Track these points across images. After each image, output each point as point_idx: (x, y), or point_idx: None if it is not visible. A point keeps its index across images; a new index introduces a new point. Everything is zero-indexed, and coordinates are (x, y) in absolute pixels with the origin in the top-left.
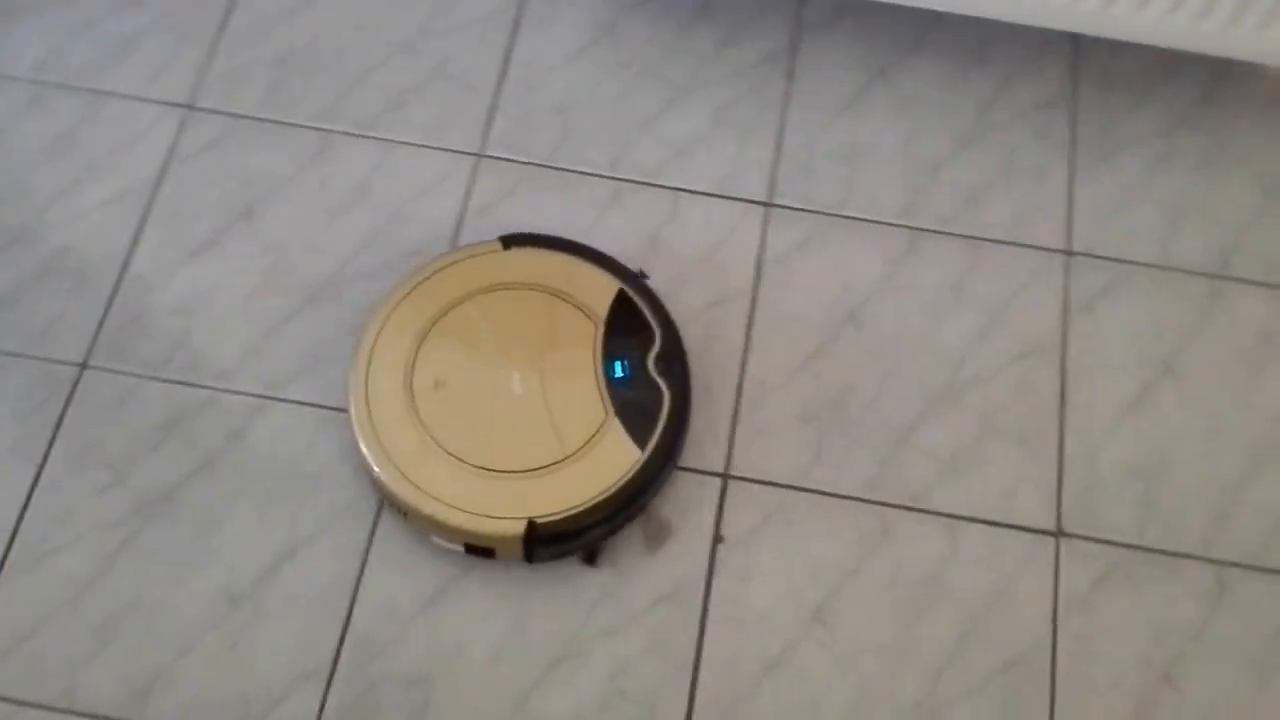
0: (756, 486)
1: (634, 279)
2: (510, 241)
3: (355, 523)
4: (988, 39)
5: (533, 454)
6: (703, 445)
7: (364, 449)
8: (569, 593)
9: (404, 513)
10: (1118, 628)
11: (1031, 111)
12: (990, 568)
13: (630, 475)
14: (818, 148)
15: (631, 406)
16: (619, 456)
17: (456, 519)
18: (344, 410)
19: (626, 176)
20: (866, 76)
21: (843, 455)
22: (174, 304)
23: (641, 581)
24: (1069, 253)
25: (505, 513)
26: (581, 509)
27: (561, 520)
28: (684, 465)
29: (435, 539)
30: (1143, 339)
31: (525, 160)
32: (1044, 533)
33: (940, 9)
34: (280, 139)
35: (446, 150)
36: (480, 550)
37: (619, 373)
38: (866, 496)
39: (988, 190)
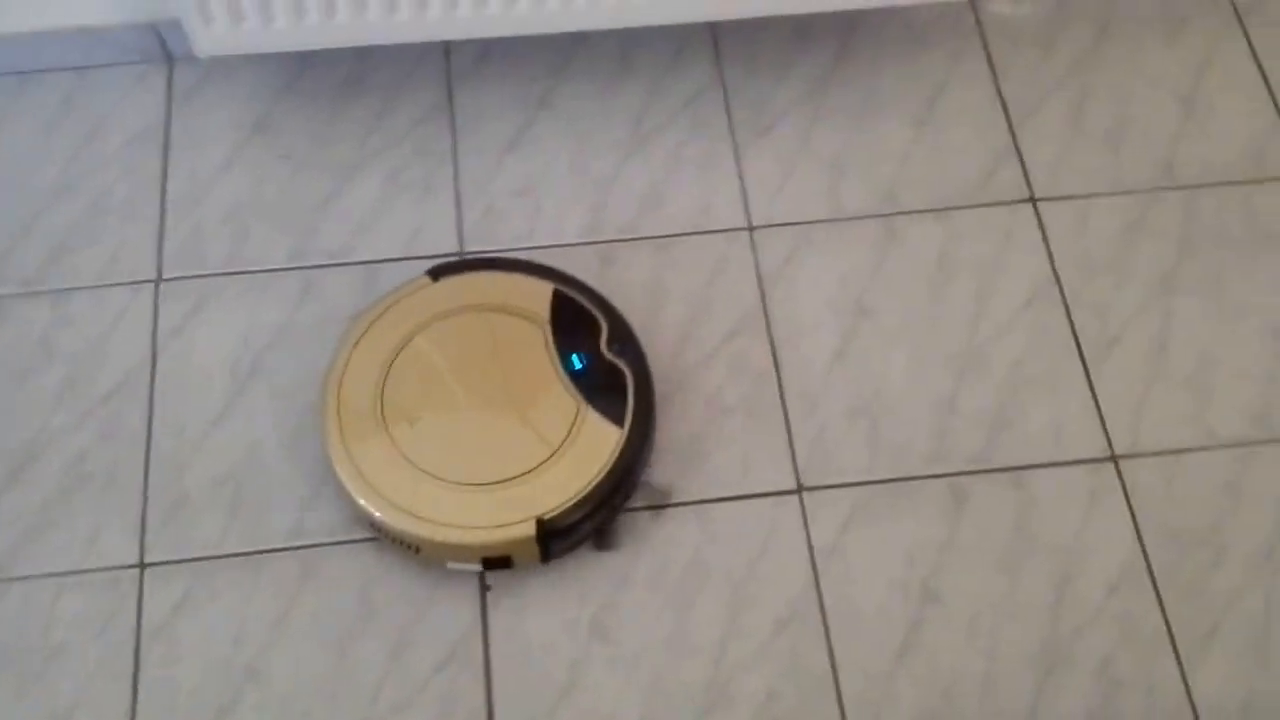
0: None
1: (565, 279)
2: (438, 273)
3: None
4: (630, 47)
5: (522, 459)
6: None
7: (363, 502)
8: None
9: (416, 549)
10: (872, 561)
11: (687, 106)
12: (744, 538)
13: (618, 452)
14: (497, 189)
15: (599, 391)
16: (602, 438)
17: (470, 537)
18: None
19: (313, 263)
20: (526, 110)
21: None
22: None
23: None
24: (751, 228)
25: (513, 519)
26: (582, 495)
27: (567, 510)
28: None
29: (451, 565)
30: (833, 290)
31: (206, 273)
32: (786, 493)
33: (573, 29)
34: None
35: (122, 284)
36: (498, 562)
37: (578, 364)
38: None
39: (666, 187)
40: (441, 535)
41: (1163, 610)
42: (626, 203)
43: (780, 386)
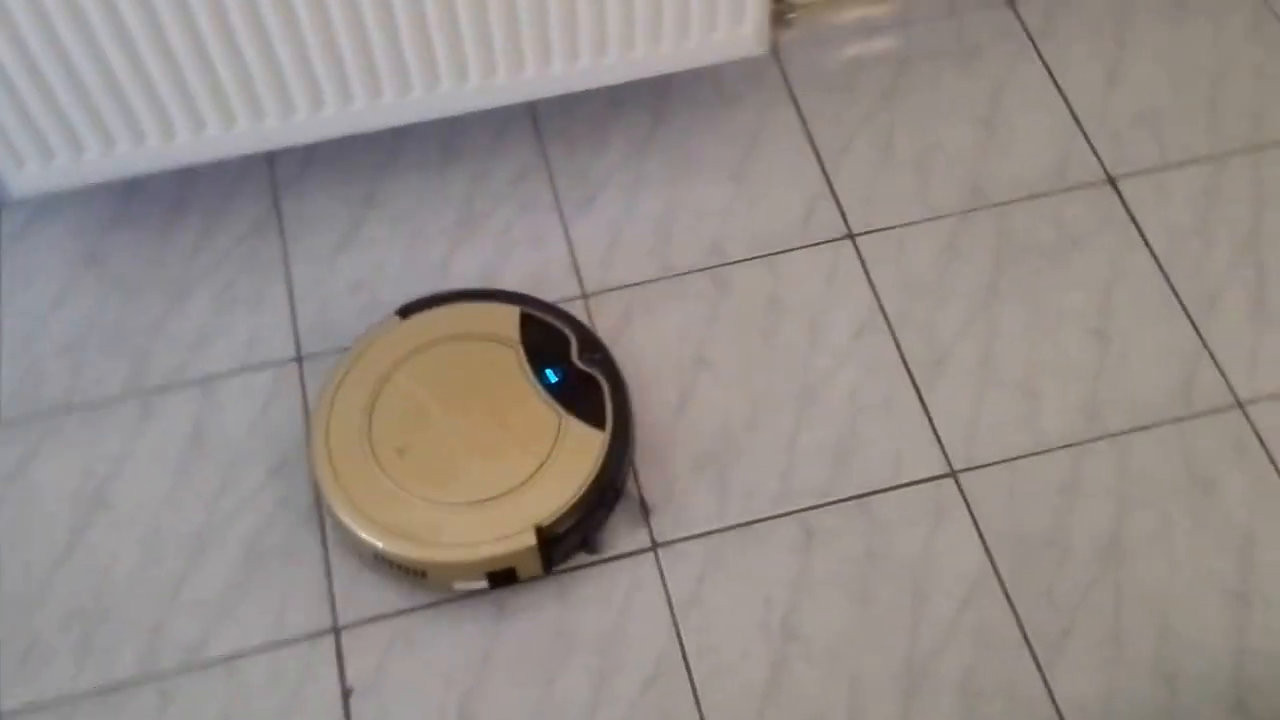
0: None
1: (529, 300)
2: (406, 311)
3: None
4: (452, 136)
5: (512, 474)
6: None
7: (365, 536)
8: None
9: (423, 573)
10: (731, 607)
11: (513, 186)
12: (603, 604)
13: (605, 454)
14: (330, 290)
15: (577, 400)
16: (587, 443)
17: (474, 554)
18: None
19: (152, 385)
20: (354, 209)
21: None
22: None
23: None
24: (585, 296)
25: (513, 530)
26: (576, 499)
27: (563, 515)
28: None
29: (457, 585)
30: (671, 345)
31: (40, 411)
32: (641, 551)
33: (390, 125)
34: None
35: None
36: (502, 576)
37: (553, 378)
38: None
39: (499, 267)
40: (446, 556)
41: (1016, 616)
42: (470, 272)
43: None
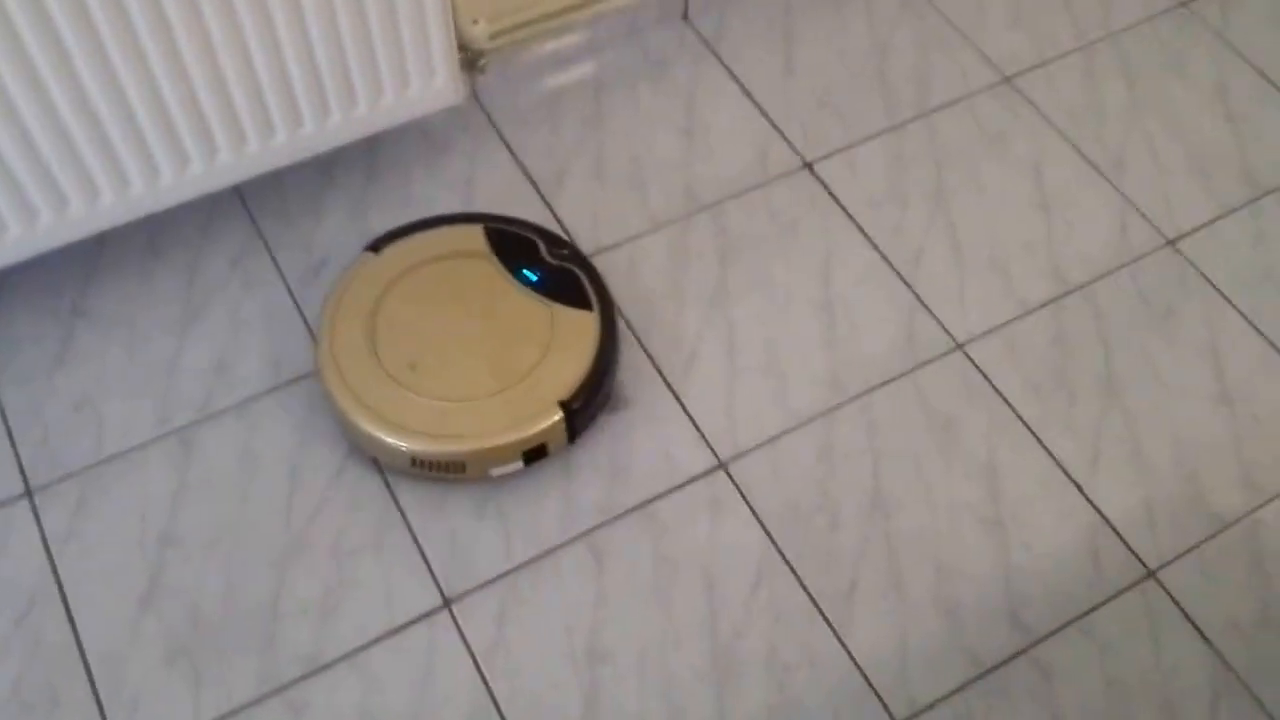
0: None
1: (489, 217)
2: (376, 245)
3: None
4: (156, 232)
5: (522, 363)
6: None
7: (400, 444)
8: None
9: (463, 467)
10: (534, 643)
11: (233, 268)
12: (410, 675)
13: (601, 327)
14: (52, 412)
15: (561, 291)
16: (581, 324)
17: (507, 438)
18: None
19: None
20: (61, 323)
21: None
22: None
23: None
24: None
25: (539, 410)
26: (587, 371)
27: (580, 388)
28: None
29: (495, 471)
30: None
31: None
32: (433, 612)
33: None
34: None
35: None
36: (535, 453)
37: (532, 277)
38: (260, 693)
39: (233, 351)
40: (485, 443)
41: (803, 586)
42: (197, 378)
43: (395, 503)
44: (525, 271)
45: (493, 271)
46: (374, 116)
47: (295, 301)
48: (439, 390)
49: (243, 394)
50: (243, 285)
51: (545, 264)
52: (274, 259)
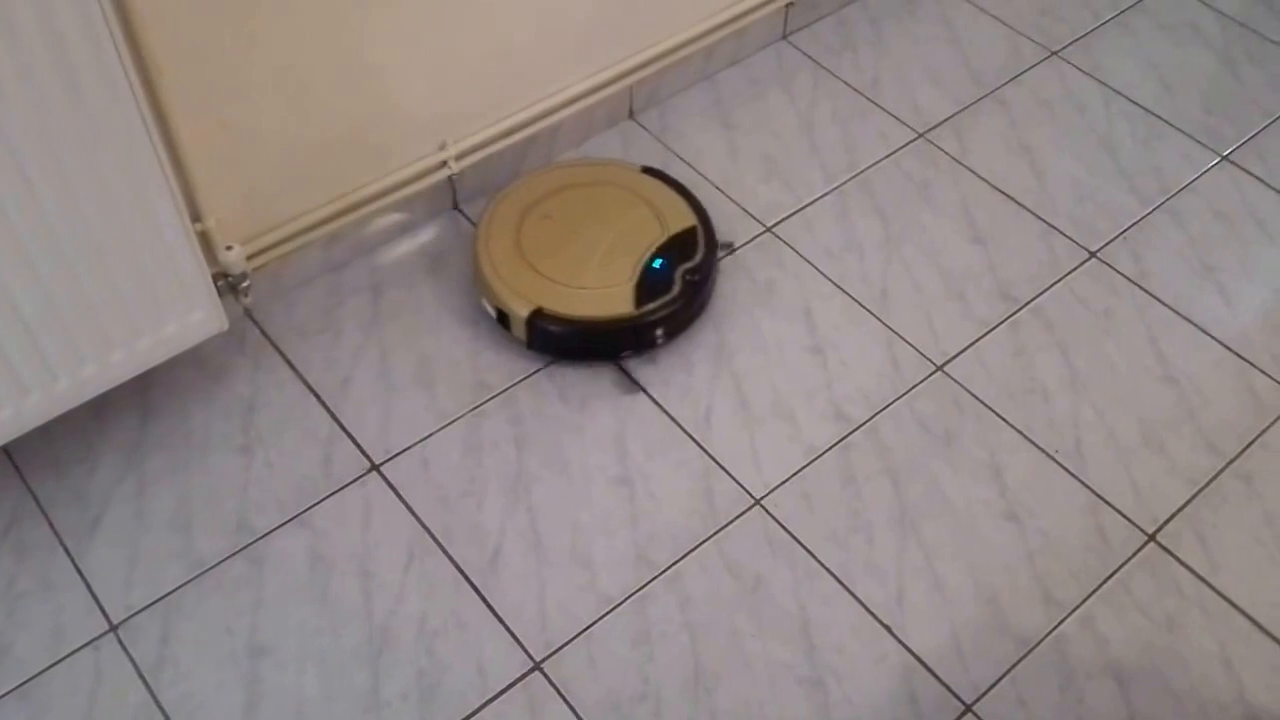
0: None
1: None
2: (648, 171)
3: None
4: None
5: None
6: None
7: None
8: None
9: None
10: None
11: (3, 537)
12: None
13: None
14: None
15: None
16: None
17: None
18: None
19: None
20: None
21: None
22: None
23: None
24: (114, 628)
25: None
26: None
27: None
28: None
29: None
30: (222, 645)
31: None
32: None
33: None
34: None
35: None
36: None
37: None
38: None
39: (9, 633)
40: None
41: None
42: None
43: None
44: (657, 261)
45: (652, 237)
46: (134, 359)
47: (75, 564)
48: (580, 258)
49: (21, 674)
50: (15, 554)
51: (671, 273)
52: (48, 518)
